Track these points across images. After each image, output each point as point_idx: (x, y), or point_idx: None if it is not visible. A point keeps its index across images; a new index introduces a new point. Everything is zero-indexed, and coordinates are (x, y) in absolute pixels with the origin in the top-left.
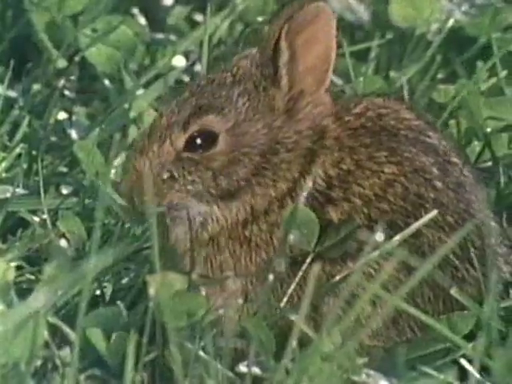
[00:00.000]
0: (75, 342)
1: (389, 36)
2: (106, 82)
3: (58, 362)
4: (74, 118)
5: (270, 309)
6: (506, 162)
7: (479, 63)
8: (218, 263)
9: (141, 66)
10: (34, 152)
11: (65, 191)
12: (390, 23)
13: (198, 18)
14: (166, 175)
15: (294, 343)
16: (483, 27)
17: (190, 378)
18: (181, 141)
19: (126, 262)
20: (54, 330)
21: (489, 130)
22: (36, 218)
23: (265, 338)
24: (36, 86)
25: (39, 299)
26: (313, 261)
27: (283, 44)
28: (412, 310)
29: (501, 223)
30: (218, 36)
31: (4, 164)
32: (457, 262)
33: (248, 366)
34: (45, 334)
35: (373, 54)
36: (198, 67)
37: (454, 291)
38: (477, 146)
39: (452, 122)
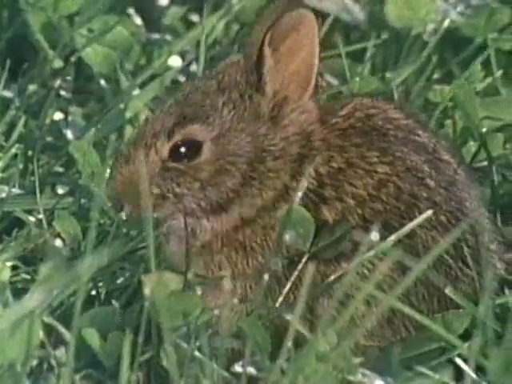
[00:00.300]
0: (71, 341)
1: (384, 36)
2: (102, 82)
3: (53, 362)
4: (69, 118)
5: (265, 309)
6: (501, 162)
7: (475, 63)
8: (217, 268)
9: (137, 66)
10: (29, 152)
11: (60, 191)
12: (386, 23)
13: (194, 18)
14: (156, 190)
15: (289, 343)
16: (479, 27)
17: (186, 377)
18: (165, 149)
19: (121, 262)
20: (49, 329)
21: (484, 129)
22: (32, 218)
23: (260, 338)
24: (32, 87)
25: (34, 299)
26: (308, 261)
27: (267, 51)
28: (407, 310)
29: (495, 223)
30: (213, 36)
31: (0, 164)
32: (450, 261)
33: (243, 365)
34: (40, 333)
35: (369, 55)
36: (193, 67)
37: (448, 290)
38: (472, 145)
39: (448, 121)
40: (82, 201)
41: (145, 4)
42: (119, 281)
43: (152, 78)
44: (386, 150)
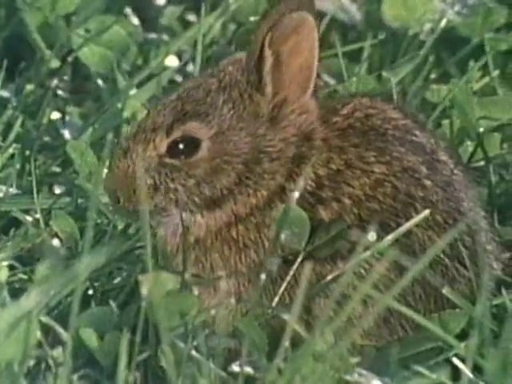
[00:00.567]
0: (68, 341)
1: (381, 36)
2: (99, 82)
3: (50, 361)
4: (67, 117)
5: (262, 308)
6: (498, 162)
7: (472, 63)
8: (209, 264)
9: (134, 65)
10: (27, 152)
11: (58, 191)
12: (383, 23)
13: (191, 17)
14: (149, 181)
15: (286, 343)
16: (476, 27)
17: (183, 377)
18: (163, 145)
19: (118, 262)
20: (46, 329)
21: (481, 129)
22: (29, 218)
23: (257, 337)
24: (29, 86)
25: (32, 299)
26: (304, 260)
27: (267, 52)
28: (403, 309)
29: (492, 223)
30: (210, 36)
31: None
32: (447, 261)
33: (240, 365)
34: (37, 333)
35: (365, 54)
36: (190, 67)
37: (445, 290)
38: (469, 145)
39: (445, 121)
40: (79, 200)
41: (142, 4)
42: (116, 280)
43: (149, 77)
44: (384, 150)
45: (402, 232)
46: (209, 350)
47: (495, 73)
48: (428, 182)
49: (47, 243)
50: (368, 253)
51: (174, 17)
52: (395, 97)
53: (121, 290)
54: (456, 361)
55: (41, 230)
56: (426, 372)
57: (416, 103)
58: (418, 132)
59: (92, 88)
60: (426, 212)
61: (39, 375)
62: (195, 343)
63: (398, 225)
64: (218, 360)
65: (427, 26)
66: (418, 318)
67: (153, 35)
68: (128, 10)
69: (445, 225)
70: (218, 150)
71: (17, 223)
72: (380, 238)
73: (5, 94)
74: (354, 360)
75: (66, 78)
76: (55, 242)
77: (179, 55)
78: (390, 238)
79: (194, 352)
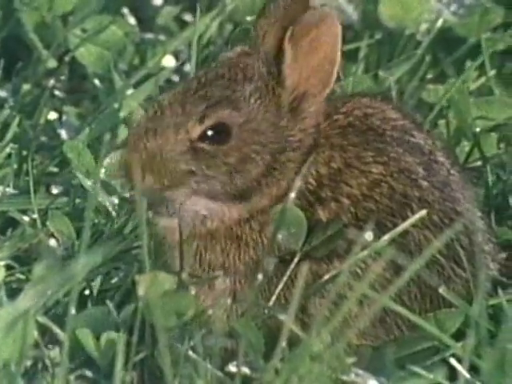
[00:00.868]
0: (65, 341)
1: (378, 36)
2: (96, 81)
3: (47, 361)
4: (64, 117)
5: (258, 308)
6: (495, 162)
7: (468, 63)
8: (208, 258)
9: (130, 65)
10: (24, 152)
11: (55, 191)
12: (380, 23)
13: (188, 17)
14: (184, 167)
15: (283, 343)
16: (472, 27)
17: (180, 377)
18: (196, 132)
19: (115, 262)
20: (43, 329)
21: (478, 129)
22: (26, 218)
23: (254, 337)
24: (26, 86)
25: (29, 299)
26: (300, 260)
27: (287, 46)
28: (399, 309)
29: (489, 223)
30: (207, 36)
31: None
32: (443, 261)
33: (237, 365)
34: (34, 333)
35: (362, 54)
36: (187, 67)
37: (442, 290)
38: (466, 145)
39: (441, 121)
40: (77, 201)
41: (139, 4)
42: (113, 281)
43: (146, 77)
44: (382, 151)
45: (399, 232)
46: (206, 351)
47: (492, 73)
48: (424, 183)
49: (44, 243)
50: (365, 253)
51: (171, 17)
52: (394, 96)
53: (117, 290)
54: (453, 361)
55: (38, 230)
56: (423, 372)
57: (412, 103)
58: (415, 133)
59: (89, 88)
60: (423, 212)
61: (36, 375)
62: (192, 343)
63: (395, 225)
64: (215, 360)
65: (424, 26)
66: (414, 318)
67: (150, 35)
68: (125, 10)
69: (441, 225)
70: (246, 138)
71: (14, 223)
72: (376, 237)
73: (2, 93)
74: (351, 360)
75: (62, 77)
76: (52, 242)
77: (176, 55)
78: (386, 237)
79: (190, 352)
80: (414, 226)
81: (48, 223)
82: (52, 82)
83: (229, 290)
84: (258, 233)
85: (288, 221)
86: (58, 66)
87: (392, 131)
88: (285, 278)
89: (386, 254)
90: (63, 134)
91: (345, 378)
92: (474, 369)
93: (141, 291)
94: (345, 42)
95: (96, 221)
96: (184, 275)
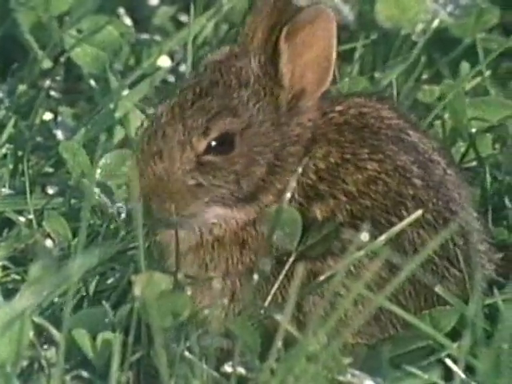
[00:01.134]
0: (61, 342)
1: (374, 36)
2: (92, 82)
3: (43, 362)
4: (59, 118)
5: (255, 309)
6: (491, 162)
7: (464, 64)
8: (213, 265)
9: (126, 66)
10: (19, 152)
11: (50, 191)
12: (375, 24)
13: (183, 18)
14: (191, 182)
15: (279, 343)
16: (468, 28)
17: (176, 378)
18: (202, 146)
19: (111, 262)
20: (39, 330)
21: (473, 130)
22: (22, 218)
23: (250, 338)
24: (22, 87)
25: (25, 299)
26: (296, 260)
27: (283, 46)
28: (394, 308)
29: (486, 223)
30: (203, 36)
31: None
32: (436, 259)
33: (233, 366)
34: (30, 334)
35: (358, 55)
36: (183, 67)
37: (437, 288)
38: (461, 146)
39: (437, 122)
40: (72, 201)
41: (134, 4)
42: (109, 281)
43: (141, 78)
44: (377, 148)
45: (395, 232)
46: (201, 351)
47: (487, 73)
48: (419, 181)
49: (40, 244)
50: (361, 253)
51: (167, 17)
52: (389, 96)
53: (114, 290)
54: (448, 361)
55: (34, 231)
56: (419, 372)
57: (408, 103)
58: (411, 132)
59: (84, 88)
60: (419, 212)
61: (32, 376)
62: (188, 343)
63: (389, 222)
64: (211, 360)
65: (419, 27)
66: (409, 317)
67: (145, 35)
68: (121, 11)
69: (435, 224)
70: (249, 142)
71: (10, 224)
72: (371, 234)
73: None
74: (347, 360)
75: (58, 78)
76: (48, 242)
77: (172, 55)
78: (382, 238)
79: (186, 352)
80: (408, 225)
81: (44, 224)
82: (48, 82)
83: (227, 290)
84: (262, 235)
85: (283, 221)
86: (53, 66)
87: (387, 130)
88: (281, 278)
89: (382, 253)
90: (59, 134)
91: (341, 378)
92: (469, 369)
93: (137, 291)
94: (340, 42)
95: (92, 221)
96: (180, 275)
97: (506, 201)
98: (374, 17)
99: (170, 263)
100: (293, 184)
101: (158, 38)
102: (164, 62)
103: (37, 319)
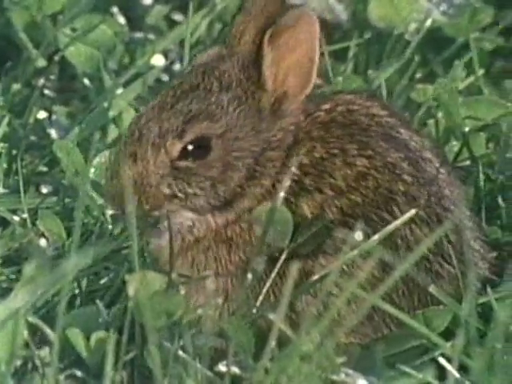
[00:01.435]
0: (55, 341)
1: (367, 36)
2: (86, 81)
3: (37, 361)
4: (53, 117)
5: (248, 308)
6: (484, 161)
7: (457, 63)
8: (203, 265)
9: (120, 65)
10: (13, 151)
11: (44, 190)
12: (369, 23)
13: (177, 17)
14: (166, 191)
15: (272, 343)
16: (461, 27)
17: (169, 377)
18: (176, 149)
19: (105, 262)
20: (33, 329)
21: (467, 129)
22: (16, 218)
23: (244, 337)
24: (15, 86)
25: (19, 299)
26: (288, 258)
27: (267, 49)
28: (387, 307)
29: (479, 222)
30: (197, 35)
31: None
32: (430, 257)
33: (227, 365)
34: (24, 333)
35: (351, 54)
36: (177, 66)
37: (432, 288)
38: (455, 145)
39: (430, 121)
40: (66, 200)
41: (128, 3)
42: (103, 280)
43: (135, 76)
44: (366, 144)
45: (389, 231)
46: (195, 350)
47: (481, 72)
48: (409, 178)
49: (34, 243)
50: (355, 252)
51: (161, 16)
52: (381, 94)
53: (107, 289)
54: (442, 360)
55: (28, 230)
56: (412, 372)
57: (401, 103)
58: (402, 130)
59: (79, 87)
60: (412, 211)
61: (26, 375)
62: (182, 343)
63: (381, 218)
64: (205, 360)
65: (413, 26)
66: (402, 316)
67: (139, 34)
68: (115, 10)
69: (428, 220)
70: (226, 147)
71: (4, 223)
72: (362, 231)
73: None
74: (340, 360)
75: (52, 77)
76: (42, 241)
77: (165, 54)
78: (376, 237)
79: (180, 352)
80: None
81: (38, 223)
82: (42, 81)
83: (220, 290)
84: (247, 232)
85: (274, 219)
86: (47, 65)
87: (377, 127)
88: (273, 275)
89: (376, 252)
90: (53, 133)
91: (334, 377)
92: (463, 368)
93: (131, 291)
94: (334, 41)
95: (86, 220)
96: (174, 275)
97: (500, 200)
98: (368, 16)
99: (163, 264)
100: (286, 184)
101: (151, 36)
102: (158, 60)
103: (31, 318)
